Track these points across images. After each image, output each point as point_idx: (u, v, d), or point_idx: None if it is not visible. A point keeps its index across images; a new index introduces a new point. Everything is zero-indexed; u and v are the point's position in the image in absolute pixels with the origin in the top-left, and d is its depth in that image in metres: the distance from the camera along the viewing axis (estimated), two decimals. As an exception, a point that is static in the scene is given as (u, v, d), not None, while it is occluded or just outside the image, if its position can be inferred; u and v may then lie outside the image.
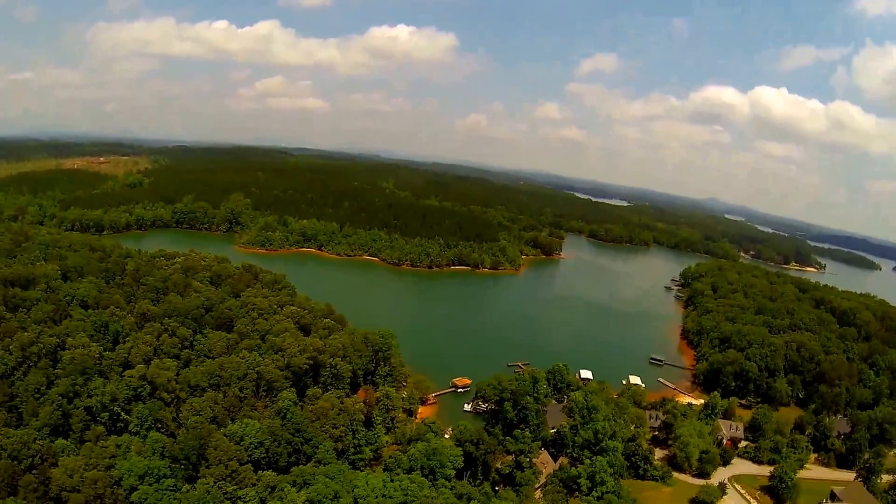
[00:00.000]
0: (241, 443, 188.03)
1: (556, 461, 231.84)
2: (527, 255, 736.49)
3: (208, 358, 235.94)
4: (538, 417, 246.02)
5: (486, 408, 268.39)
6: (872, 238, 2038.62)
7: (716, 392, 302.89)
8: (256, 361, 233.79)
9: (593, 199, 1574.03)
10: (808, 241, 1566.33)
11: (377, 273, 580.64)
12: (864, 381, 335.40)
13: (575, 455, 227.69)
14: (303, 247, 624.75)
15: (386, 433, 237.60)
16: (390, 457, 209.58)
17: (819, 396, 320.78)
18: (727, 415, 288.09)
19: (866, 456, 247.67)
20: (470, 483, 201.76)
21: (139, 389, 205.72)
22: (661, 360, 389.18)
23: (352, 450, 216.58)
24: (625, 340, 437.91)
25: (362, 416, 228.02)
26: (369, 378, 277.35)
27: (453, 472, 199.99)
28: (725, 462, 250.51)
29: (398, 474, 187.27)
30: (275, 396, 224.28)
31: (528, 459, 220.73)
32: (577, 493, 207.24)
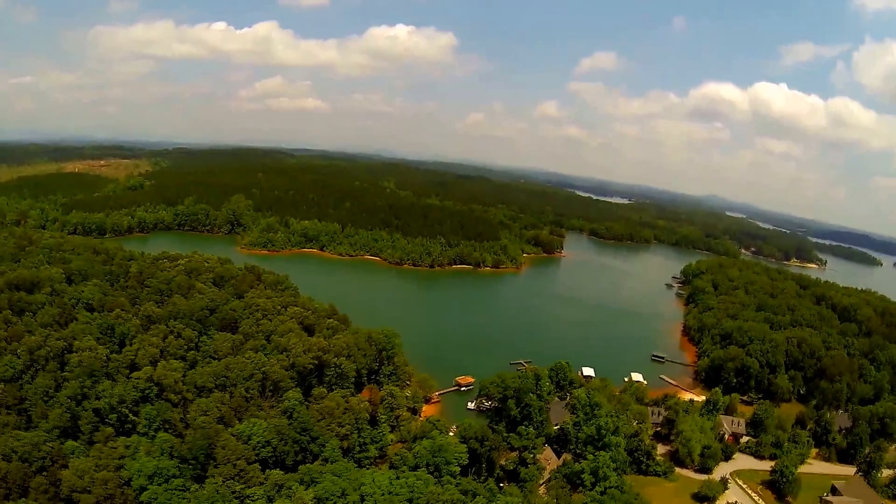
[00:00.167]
0: (249, 442, 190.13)
1: (559, 457, 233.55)
2: (528, 253, 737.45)
3: (214, 359, 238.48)
4: (541, 414, 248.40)
5: (490, 405, 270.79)
6: (873, 234, 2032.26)
7: (717, 388, 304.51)
8: (262, 362, 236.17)
9: (594, 197, 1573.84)
10: (809, 238, 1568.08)
11: (379, 273, 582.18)
12: (865, 376, 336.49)
13: (578, 451, 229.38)
14: (305, 247, 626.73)
15: (391, 431, 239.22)
16: (396, 454, 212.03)
17: (820, 392, 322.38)
18: (729, 411, 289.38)
19: (867, 450, 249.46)
20: (475, 479, 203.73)
21: (146, 391, 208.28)
22: (662, 358, 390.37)
23: (357, 448, 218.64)
24: (626, 338, 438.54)
25: (367, 415, 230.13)
26: (373, 377, 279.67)
27: (458, 469, 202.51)
28: (727, 457, 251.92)
29: (404, 471, 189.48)
30: (280, 396, 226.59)
31: (531, 456, 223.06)
32: (580, 488, 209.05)
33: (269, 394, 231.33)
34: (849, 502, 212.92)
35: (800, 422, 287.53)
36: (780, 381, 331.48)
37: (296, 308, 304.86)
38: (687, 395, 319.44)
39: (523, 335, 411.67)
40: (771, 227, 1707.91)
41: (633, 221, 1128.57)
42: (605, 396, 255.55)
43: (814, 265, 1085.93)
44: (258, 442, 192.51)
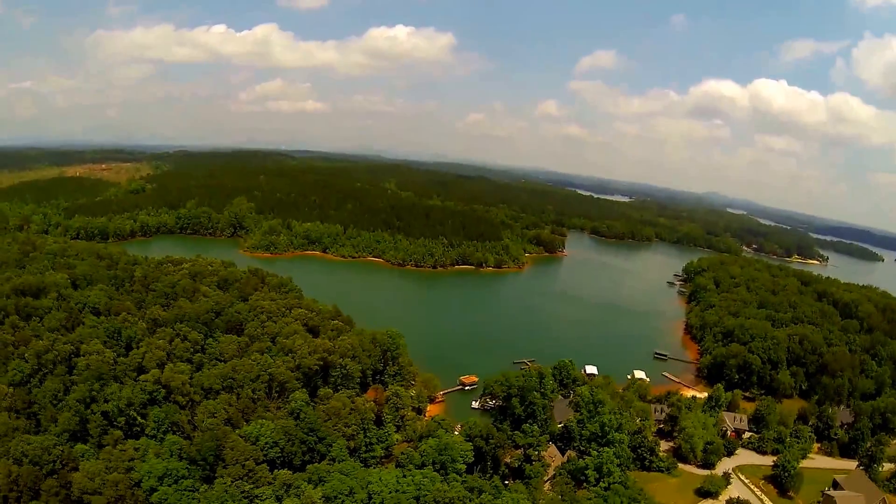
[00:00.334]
0: (257, 443, 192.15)
1: (563, 454, 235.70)
2: (530, 252, 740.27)
3: (220, 361, 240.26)
4: (545, 412, 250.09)
5: (494, 404, 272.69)
6: (875, 229, 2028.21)
7: (719, 385, 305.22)
8: (268, 363, 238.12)
9: (595, 196, 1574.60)
10: (811, 234, 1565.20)
11: (382, 274, 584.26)
12: (867, 372, 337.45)
13: (582, 448, 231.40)
14: (307, 249, 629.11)
15: (396, 431, 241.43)
16: (402, 453, 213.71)
17: (822, 388, 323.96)
18: (731, 407, 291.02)
19: (868, 444, 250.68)
20: (480, 477, 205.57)
21: (154, 393, 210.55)
22: (664, 355, 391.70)
23: (363, 448, 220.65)
24: (629, 336, 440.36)
25: (373, 415, 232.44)
26: (378, 377, 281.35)
27: (464, 467, 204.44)
28: (730, 453, 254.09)
29: (410, 470, 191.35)
30: (287, 397, 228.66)
31: (536, 453, 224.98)
32: (584, 484, 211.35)
33: (276, 395, 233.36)
34: (850, 496, 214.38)
35: (802, 417, 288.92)
36: (782, 378, 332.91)
37: (300, 310, 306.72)
38: (689, 393, 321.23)
39: (526, 334, 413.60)
40: (772, 224, 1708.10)
41: (634, 220, 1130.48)
42: (608, 394, 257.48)
43: (815, 261, 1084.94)
44: (266, 443, 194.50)
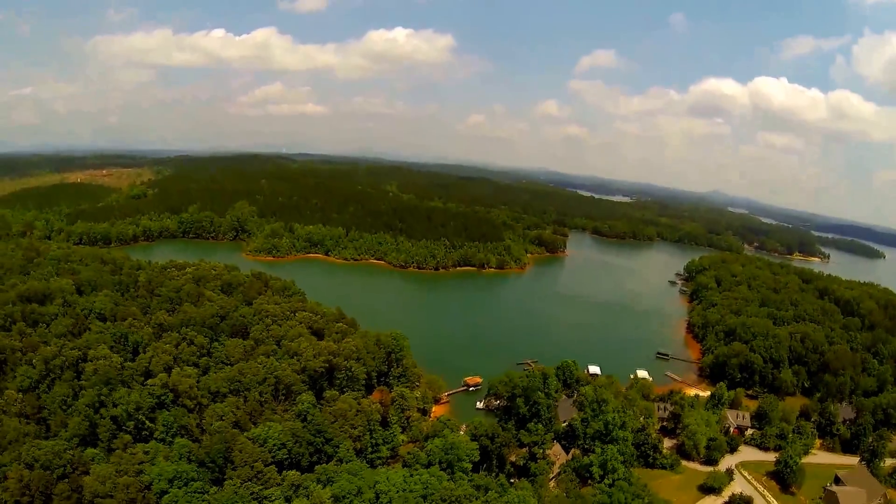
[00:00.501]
0: (265, 445, 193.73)
1: (567, 453, 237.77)
2: (532, 253, 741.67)
3: (227, 365, 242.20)
4: (549, 412, 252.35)
5: (499, 404, 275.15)
6: (876, 226, 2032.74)
7: (722, 383, 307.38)
8: (274, 366, 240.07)
9: (596, 196, 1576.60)
10: (812, 232, 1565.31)
11: (384, 276, 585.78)
12: (868, 369, 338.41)
13: (586, 446, 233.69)
14: (309, 252, 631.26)
15: (402, 432, 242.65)
16: (409, 453, 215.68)
17: (824, 385, 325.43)
18: (734, 405, 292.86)
19: (870, 440, 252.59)
20: (486, 475, 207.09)
21: (162, 397, 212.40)
22: (667, 355, 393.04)
23: (370, 449, 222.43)
24: (631, 336, 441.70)
25: (379, 416, 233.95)
26: (383, 379, 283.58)
27: (470, 466, 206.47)
28: (732, 449, 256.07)
29: (417, 469, 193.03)
30: (293, 400, 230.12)
31: (541, 451, 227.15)
32: (589, 481, 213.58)
33: (283, 397, 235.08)
34: (852, 491, 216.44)
35: (804, 414, 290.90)
36: (785, 376, 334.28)
37: (304, 313, 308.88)
38: (692, 391, 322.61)
39: (529, 335, 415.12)
40: (773, 222, 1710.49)
41: (635, 219, 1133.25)
42: (611, 393, 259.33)
43: (817, 259, 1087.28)
44: (274, 444, 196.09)
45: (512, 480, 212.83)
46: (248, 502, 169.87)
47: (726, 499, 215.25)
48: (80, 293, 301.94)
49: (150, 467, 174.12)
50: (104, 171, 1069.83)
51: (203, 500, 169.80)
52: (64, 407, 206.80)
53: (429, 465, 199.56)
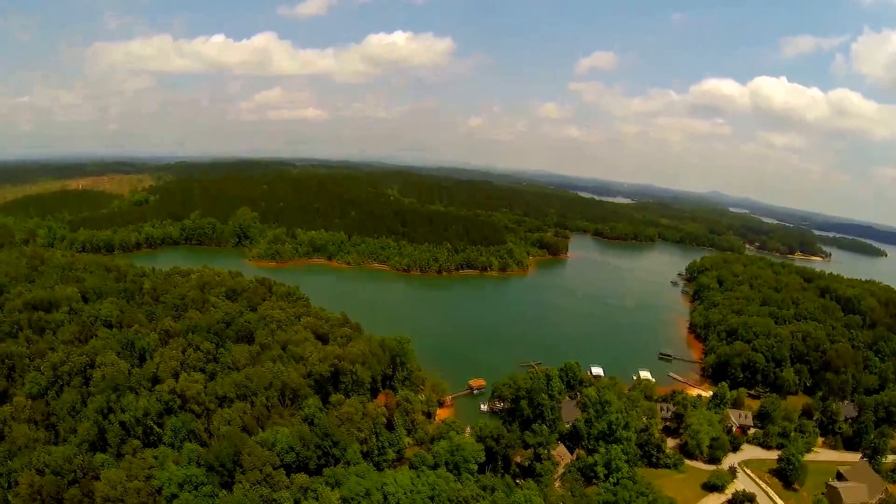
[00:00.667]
0: (273, 448, 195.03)
1: (572, 453, 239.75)
2: (534, 255, 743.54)
3: (233, 370, 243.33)
4: (553, 413, 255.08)
5: (503, 406, 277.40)
6: (878, 225, 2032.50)
7: (724, 383, 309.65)
8: (280, 371, 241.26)
9: (597, 198, 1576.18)
10: (813, 231, 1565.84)
11: (388, 280, 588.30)
12: (870, 367, 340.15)
13: (590, 447, 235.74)
14: (312, 257, 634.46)
15: (407, 435, 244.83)
16: (415, 455, 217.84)
17: (826, 384, 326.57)
18: (736, 405, 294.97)
19: (871, 437, 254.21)
20: (492, 476, 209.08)
21: (170, 403, 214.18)
22: (669, 355, 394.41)
23: (376, 451, 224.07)
24: (633, 337, 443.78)
25: (384, 420, 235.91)
26: (388, 383, 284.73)
27: (476, 467, 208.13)
28: (735, 448, 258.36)
29: (424, 471, 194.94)
30: (300, 404, 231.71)
31: (546, 451, 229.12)
32: (594, 480, 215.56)
33: (289, 402, 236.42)
34: (853, 487, 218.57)
35: (806, 413, 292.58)
36: (787, 375, 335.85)
37: (309, 318, 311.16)
38: (694, 391, 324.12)
39: (532, 337, 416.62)
40: (775, 222, 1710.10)
41: (636, 221, 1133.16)
42: (614, 394, 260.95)
43: (818, 258, 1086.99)
44: (282, 448, 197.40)
45: (517, 481, 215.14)
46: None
47: (729, 496, 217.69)
48: (85, 300, 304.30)
49: (160, 472, 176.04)
50: (105, 178, 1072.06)
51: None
52: (73, 413, 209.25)
53: (435, 466, 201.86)
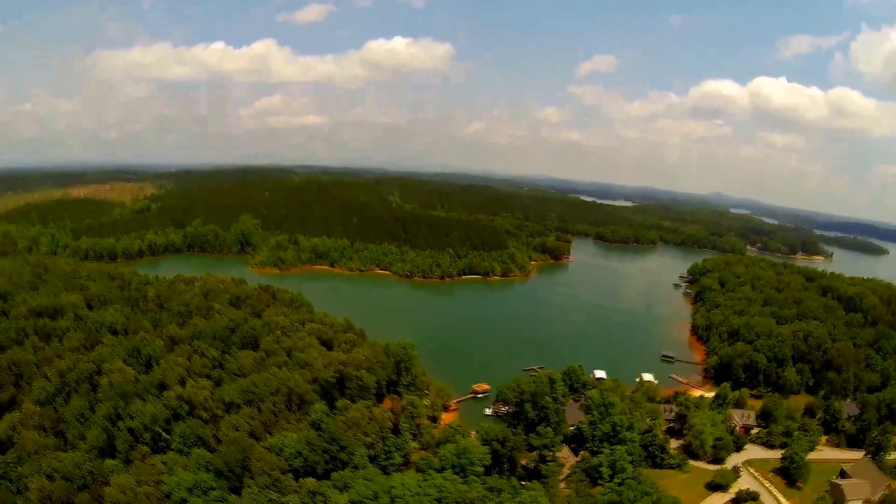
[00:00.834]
0: (281, 453, 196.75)
1: (576, 455, 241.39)
2: (535, 260, 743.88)
3: (239, 376, 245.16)
4: (558, 416, 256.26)
5: (507, 410, 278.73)
6: (879, 223, 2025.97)
7: (726, 383, 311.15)
8: (286, 377, 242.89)
9: (598, 202, 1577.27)
10: (815, 231, 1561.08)
11: (390, 286, 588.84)
12: (872, 365, 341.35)
13: (595, 449, 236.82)
14: (315, 264, 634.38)
15: (413, 439, 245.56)
16: (422, 458, 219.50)
17: (828, 382, 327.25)
18: (739, 405, 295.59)
19: (874, 434, 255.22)
20: (498, 479, 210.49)
21: (177, 409, 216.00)
22: (672, 357, 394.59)
23: (383, 456, 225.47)
24: (636, 339, 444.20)
25: (390, 424, 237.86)
26: (392, 388, 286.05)
27: (482, 470, 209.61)
28: (738, 448, 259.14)
29: (431, 474, 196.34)
30: (306, 409, 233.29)
31: (551, 453, 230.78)
32: (599, 481, 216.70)
33: (296, 407, 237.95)
34: (857, 483, 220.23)
35: (809, 412, 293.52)
36: (789, 374, 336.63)
37: (313, 324, 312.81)
38: (697, 393, 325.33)
39: (534, 341, 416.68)
40: (776, 222, 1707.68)
41: (637, 223, 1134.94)
42: (617, 396, 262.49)
43: (820, 258, 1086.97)
44: (290, 453, 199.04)
45: (523, 483, 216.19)
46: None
47: (733, 495, 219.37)
48: (90, 308, 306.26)
49: (169, 477, 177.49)
50: (107, 186, 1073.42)
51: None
52: (81, 419, 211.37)
53: (442, 469, 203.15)
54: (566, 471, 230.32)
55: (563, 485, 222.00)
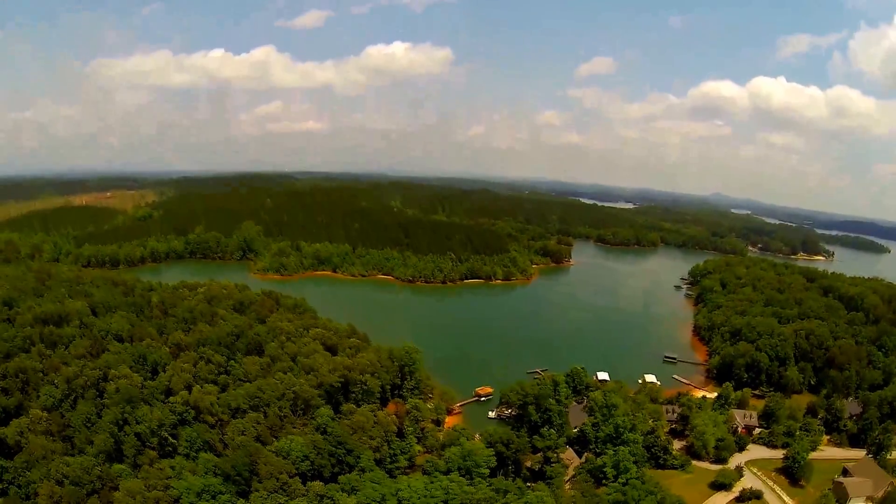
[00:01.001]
0: (288, 457, 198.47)
1: (580, 457, 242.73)
2: (537, 263, 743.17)
3: (245, 381, 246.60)
4: (561, 418, 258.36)
5: (511, 413, 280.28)
6: (880, 221, 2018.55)
7: (728, 384, 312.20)
8: (291, 382, 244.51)
9: (599, 204, 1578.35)
10: (816, 230, 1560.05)
11: (393, 291, 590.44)
12: (874, 363, 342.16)
13: (598, 450, 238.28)
14: (318, 270, 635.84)
15: (417, 442, 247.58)
16: (427, 461, 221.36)
17: (830, 381, 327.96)
18: (741, 405, 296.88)
19: (876, 433, 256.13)
20: (504, 480, 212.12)
21: (184, 414, 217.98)
22: (674, 358, 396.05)
23: (388, 459, 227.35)
24: (638, 341, 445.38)
25: (395, 428, 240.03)
26: (397, 392, 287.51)
27: (487, 472, 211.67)
28: (741, 448, 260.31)
29: (437, 476, 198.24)
30: (312, 414, 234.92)
31: (555, 455, 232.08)
32: (604, 481, 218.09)
33: (301, 412, 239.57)
34: (859, 482, 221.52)
35: (811, 411, 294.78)
36: (791, 374, 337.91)
37: (317, 329, 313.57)
38: (699, 393, 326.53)
39: (537, 344, 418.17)
40: (777, 223, 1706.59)
41: (638, 225, 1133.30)
42: (620, 398, 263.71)
43: (821, 257, 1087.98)
44: (297, 457, 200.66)
45: (528, 484, 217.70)
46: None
47: (737, 494, 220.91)
48: (94, 315, 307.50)
49: (178, 482, 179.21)
50: (108, 194, 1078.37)
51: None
52: (88, 425, 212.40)
53: (447, 471, 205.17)
54: (571, 472, 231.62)
55: (567, 486, 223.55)
